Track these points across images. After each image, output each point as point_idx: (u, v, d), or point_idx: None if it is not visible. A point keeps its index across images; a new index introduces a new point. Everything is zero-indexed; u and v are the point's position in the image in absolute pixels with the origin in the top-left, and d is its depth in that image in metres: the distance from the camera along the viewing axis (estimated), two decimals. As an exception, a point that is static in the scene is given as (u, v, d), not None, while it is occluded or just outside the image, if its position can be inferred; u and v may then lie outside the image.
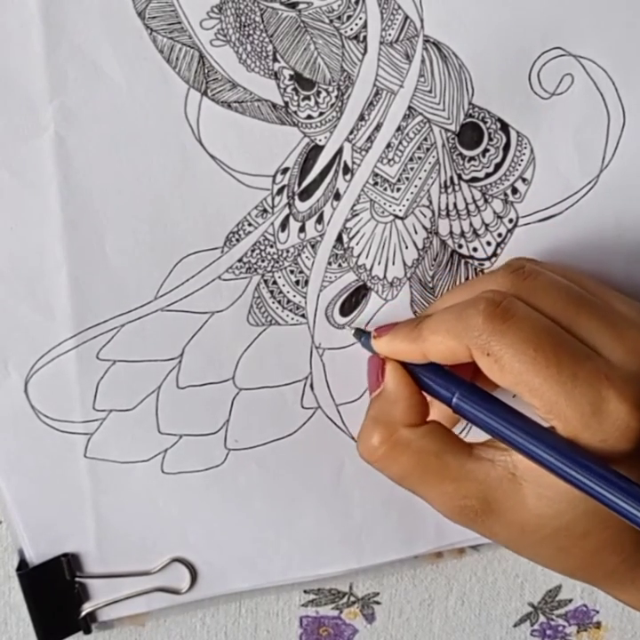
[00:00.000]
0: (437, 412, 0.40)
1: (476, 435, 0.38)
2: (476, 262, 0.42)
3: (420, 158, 0.40)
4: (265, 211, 0.40)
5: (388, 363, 0.38)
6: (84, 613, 0.46)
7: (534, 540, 0.37)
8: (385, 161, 0.40)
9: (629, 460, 0.33)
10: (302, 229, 0.40)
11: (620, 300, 0.38)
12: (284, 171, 0.40)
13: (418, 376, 0.38)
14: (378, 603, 0.50)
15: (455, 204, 0.41)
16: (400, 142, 0.40)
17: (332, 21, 0.38)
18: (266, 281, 0.41)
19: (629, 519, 0.32)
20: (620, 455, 0.33)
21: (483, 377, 0.36)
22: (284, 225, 0.40)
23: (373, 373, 0.39)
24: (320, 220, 0.40)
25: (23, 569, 0.44)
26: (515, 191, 0.41)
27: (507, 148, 0.40)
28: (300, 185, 0.40)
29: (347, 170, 0.40)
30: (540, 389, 0.33)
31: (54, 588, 0.45)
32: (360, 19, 0.38)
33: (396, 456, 0.37)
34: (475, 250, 0.42)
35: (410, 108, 0.39)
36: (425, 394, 0.38)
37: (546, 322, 0.35)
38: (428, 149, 0.40)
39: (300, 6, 0.37)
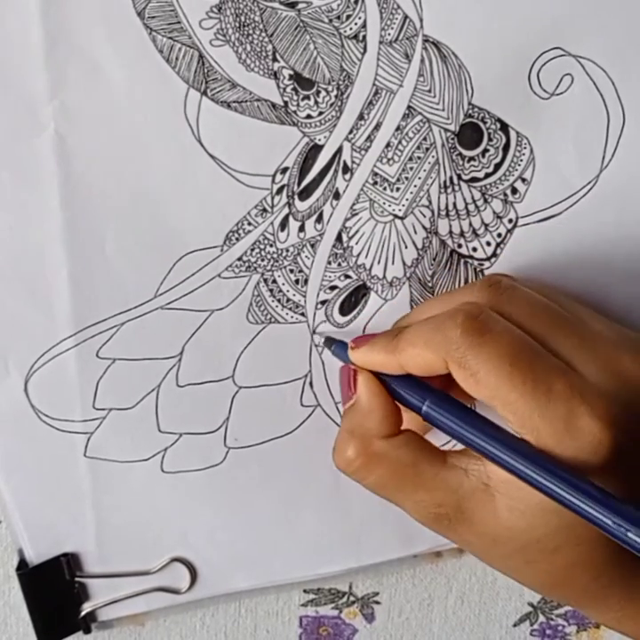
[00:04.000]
0: (409, 418, 0.39)
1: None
2: (476, 262, 0.42)
3: (419, 158, 0.40)
4: (264, 210, 0.40)
5: (359, 373, 0.38)
6: (83, 613, 0.46)
7: (505, 553, 0.36)
8: (384, 160, 0.40)
9: (600, 474, 0.33)
10: (302, 229, 0.41)
11: (594, 318, 0.38)
12: (284, 170, 0.40)
13: (388, 384, 0.38)
14: (377, 602, 0.50)
15: (455, 204, 0.41)
16: (399, 142, 0.40)
17: (331, 21, 0.38)
18: (265, 279, 0.41)
19: (602, 528, 0.31)
20: (591, 469, 0.33)
21: (455, 389, 0.36)
22: (283, 224, 0.40)
23: (345, 384, 0.39)
24: (320, 219, 0.40)
25: (23, 569, 0.44)
26: (514, 191, 0.41)
27: (506, 148, 0.40)
28: (299, 184, 0.40)
29: (346, 169, 0.40)
30: (515, 404, 0.33)
31: (54, 588, 0.45)
32: (359, 18, 0.38)
33: (372, 468, 0.37)
34: (474, 250, 0.42)
35: (409, 107, 0.39)
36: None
37: (522, 336, 0.35)
38: (427, 149, 0.40)
39: (300, 6, 0.38)
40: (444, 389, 0.37)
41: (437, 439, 0.40)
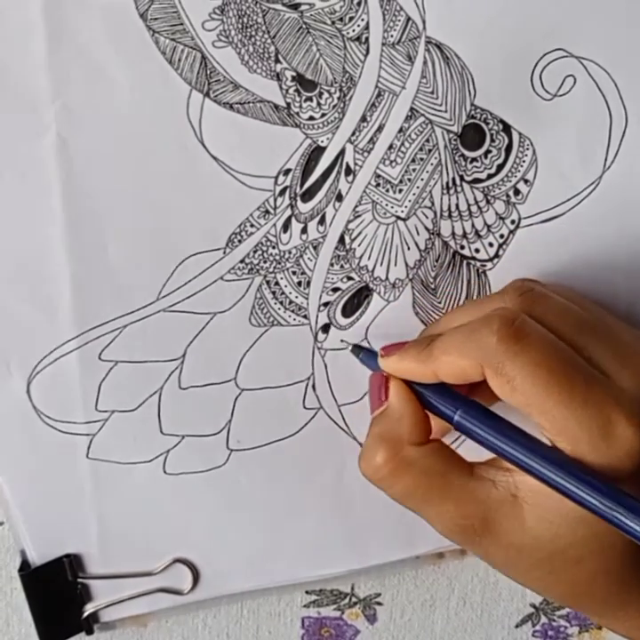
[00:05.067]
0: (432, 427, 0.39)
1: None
2: (478, 263, 0.42)
3: (422, 159, 0.40)
4: (267, 212, 0.40)
5: (392, 380, 0.38)
6: (86, 614, 0.46)
7: (529, 563, 0.36)
8: (387, 162, 0.40)
9: (633, 481, 0.33)
10: (304, 231, 0.40)
11: (622, 328, 0.38)
12: (286, 172, 0.40)
13: (419, 393, 0.38)
14: (379, 603, 0.50)
15: (457, 206, 0.41)
16: (402, 143, 0.40)
17: (334, 23, 0.38)
18: (268, 282, 0.41)
19: (637, 538, 0.32)
20: (625, 476, 0.33)
21: (480, 393, 0.36)
22: (286, 226, 0.40)
23: (375, 391, 0.39)
24: (322, 221, 0.40)
25: (25, 570, 0.44)
26: (517, 192, 0.41)
27: (509, 149, 0.40)
28: (302, 186, 0.40)
29: (349, 171, 0.40)
30: (551, 412, 0.33)
31: (56, 589, 0.45)
32: (362, 20, 0.38)
33: (400, 475, 0.37)
34: (477, 251, 0.42)
35: (412, 109, 0.39)
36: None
37: (558, 343, 0.34)
38: (430, 151, 0.40)
39: (303, 8, 0.38)
40: (467, 394, 0.37)
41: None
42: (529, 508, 0.35)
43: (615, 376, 0.35)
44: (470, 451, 0.37)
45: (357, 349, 0.41)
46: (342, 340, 0.42)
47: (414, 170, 0.40)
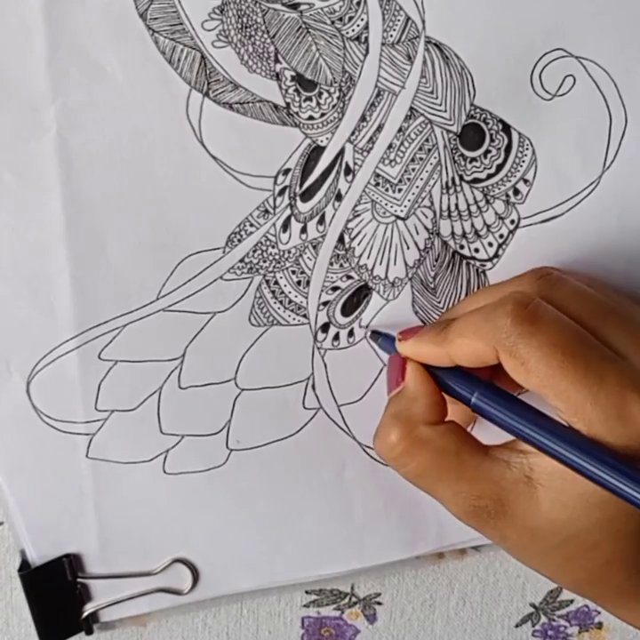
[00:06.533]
0: (452, 413, 0.39)
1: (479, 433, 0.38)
2: (478, 263, 0.42)
3: (421, 159, 0.40)
4: (266, 211, 0.40)
5: (408, 362, 0.38)
6: (85, 614, 0.46)
7: (544, 548, 0.36)
8: (386, 162, 0.40)
9: None
10: (304, 230, 0.41)
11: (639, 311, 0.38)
12: (286, 172, 0.40)
13: (437, 376, 0.38)
14: (379, 603, 0.50)
15: (457, 205, 0.41)
16: (401, 143, 0.40)
17: (333, 22, 0.38)
18: (267, 281, 0.41)
19: None
20: None
21: (501, 380, 0.36)
22: (285, 225, 0.40)
23: (393, 373, 0.39)
24: (322, 220, 0.40)
25: (25, 570, 0.44)
26: (516, 192, 0.41)
27: (508, 149, 0.40)
28: (301, 186, 0.40)
29: (348, 171, 0.40)
30: (566, 393, 0.33)
31: (56, 589, 0.45)
32: (362, 20, 0.38)
33: (414, 453, 0.37)
34: (476, 250, 0.42)
35: (411, 108, 0.39)
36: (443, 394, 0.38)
37: (573, 325, 0.35)
38: (429, 150, 0.40)
39: (302, 7, 0.38)
40: (488, 379, 0.37)
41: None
42: (543, 491, 0.35)
43: (632, 358, 0.35)
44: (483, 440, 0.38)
45: (376, 335, 0.41)
46: (361, 326, 0.42)
47: (414, 169, 0.40)
